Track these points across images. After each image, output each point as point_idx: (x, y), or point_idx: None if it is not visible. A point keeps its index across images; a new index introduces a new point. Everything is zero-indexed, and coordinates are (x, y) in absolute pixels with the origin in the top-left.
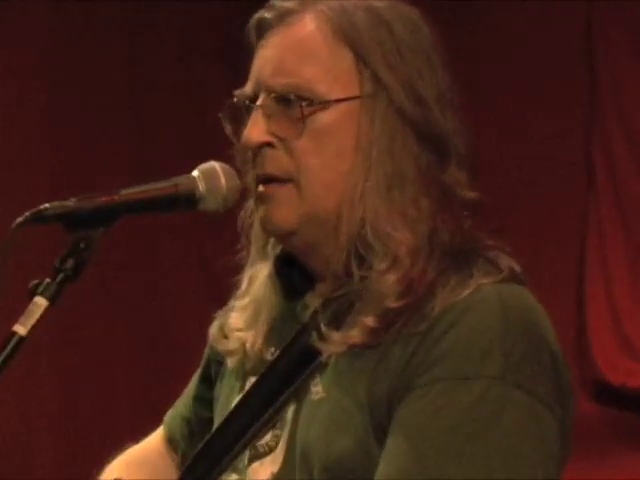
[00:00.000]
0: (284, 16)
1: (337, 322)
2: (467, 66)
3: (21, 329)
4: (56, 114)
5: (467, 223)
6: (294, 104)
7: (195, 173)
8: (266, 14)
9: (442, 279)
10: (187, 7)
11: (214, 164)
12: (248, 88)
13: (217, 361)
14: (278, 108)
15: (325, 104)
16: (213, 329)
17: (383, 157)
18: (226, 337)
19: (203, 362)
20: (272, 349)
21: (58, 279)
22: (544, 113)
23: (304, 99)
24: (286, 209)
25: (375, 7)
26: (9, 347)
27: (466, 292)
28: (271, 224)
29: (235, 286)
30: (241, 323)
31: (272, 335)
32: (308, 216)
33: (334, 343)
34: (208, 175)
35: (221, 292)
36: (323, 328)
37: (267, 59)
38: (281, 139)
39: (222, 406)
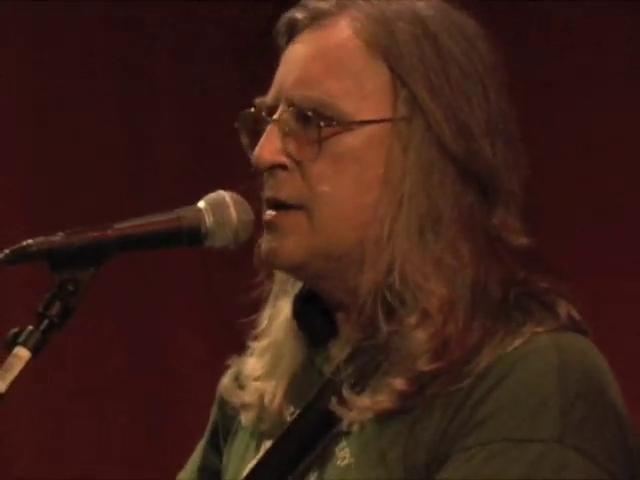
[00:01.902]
0: (317, 18)
1: (362, 383)
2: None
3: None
4: (40, 124)
5: (520, 274)
6: (312, 122)
7: (201, 204)
8: (298, 14)
9: (491, 327)
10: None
11: (223, 194)
12: (269, 97)
13: (227, 420)
14: (297, 125)
15: (349, 125)
16: (226, 380)
17: (416, 193)
18: (242, 388)
19: (210, 427)
20: (291, 408)
21: (42, 327)
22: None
23: (325, 117)
24: (294, 240)
25: (422, 16)
26: None
27: (517, 342)
28: (274, 257)
29: (250, 324)
30: (259, 370)
31: (291, 389)
32: (319, 250)
33: (358, 409)
34: (216, 207)
35: (231, 325)
36: (345, 392)
37: (292, 66)
38: (296, 161)
39: (234, 470)
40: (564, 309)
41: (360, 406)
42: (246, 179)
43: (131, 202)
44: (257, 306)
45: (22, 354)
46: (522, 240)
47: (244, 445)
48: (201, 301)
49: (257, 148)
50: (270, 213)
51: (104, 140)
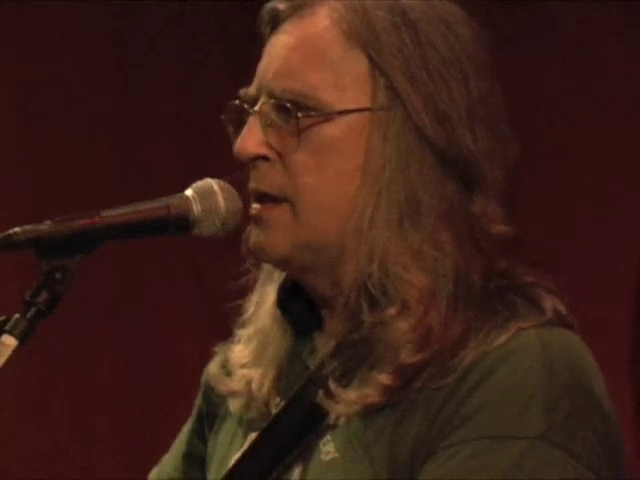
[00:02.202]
0: (298, 8)
1: (347, 376)
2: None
3: None
4: (31, 125)
5: (502, 263)
6: (291, 113)
7: (189, 192)
8: (279, 4)
9: (474, 325)
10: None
11: (211, 182)
12: (251, 88)
13: (213, 406)
14: (277, 116)
15: (329, 115)
16: (212, 368)
17: (395, 182)
18: (229, 375)
19: (195, 413)
20: (277, 399)
21: (29, 315)
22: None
23: (306, 108)
24: (279, 235)
25: (402, 4)
26: None
27: (503, 338)
28: (261, 251)
29: (238, 312)
30: (246, 357)
31: (278, 379)
32: (304, 243)
33: (344, 402)
34: (204, 195)
35: (219, 313)
36: (331, 386)
37: (273, 57)
38: (278, 152)
39: (220, 458)
40: (550, 303)
41: (347, 399)
42: (235, 169)
43: (121, 193)
44: (245, 294)
45: (9, 342)
46: (502, 228)
47: (231, 433)
48: (189, 289)
49: (238, 140)
50: (256, 207)
51: (94, 133)
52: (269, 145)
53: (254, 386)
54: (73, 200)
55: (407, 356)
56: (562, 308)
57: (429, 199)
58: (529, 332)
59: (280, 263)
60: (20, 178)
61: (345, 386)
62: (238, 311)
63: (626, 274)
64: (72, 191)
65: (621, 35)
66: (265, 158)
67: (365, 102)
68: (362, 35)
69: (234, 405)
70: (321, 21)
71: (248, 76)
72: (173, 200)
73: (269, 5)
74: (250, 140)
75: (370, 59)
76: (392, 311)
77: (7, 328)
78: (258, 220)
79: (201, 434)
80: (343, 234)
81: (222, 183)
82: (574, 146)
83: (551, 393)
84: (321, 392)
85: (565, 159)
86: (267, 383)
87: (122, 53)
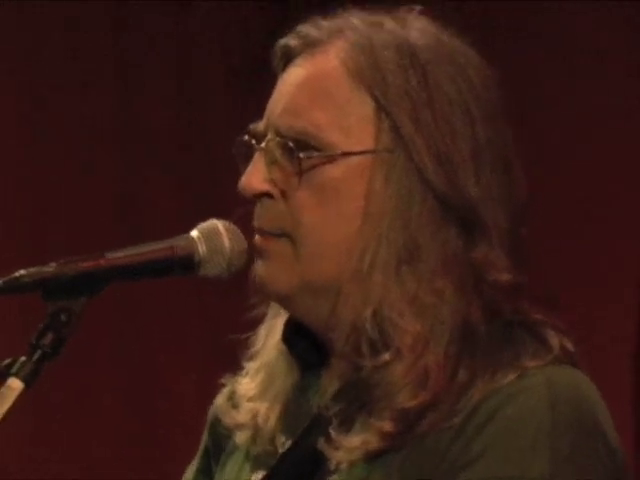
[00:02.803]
0: (309, 45)
1: (349, 421)
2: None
3: None
4: (30, 142)
5: (506, 309)
6: (294, 153)
7: (194, 233)
8: (291, 41)
9: (480, 365)
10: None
11: (216, 223)
12: (260, 124)
13: (220, 440)
14: (282, 154)
15: (332, 156)
16: (220, 399)
17: (395, 226)
18: (235, 407)
19: (200, 450)
20: (282, 438)
21: (35, 357)
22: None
23: (310, 147)
24: (281, 269)
25: (411, 45)
26: None
27: (509, 377)
28: (264, 285)
29: (241, 347)
30: (252, 390)
31: (284, 415)
32: (304, 282)
33: (345, 449)
34: (209, 236)
35: (221, 351)
36: (332, 432)
37: (282, 94)
38: (281, 190)
39: None
40: (557, 341)
41: (348, 446)
42: (238, 206)
43: (119, 225)
44: (248, 331)
45: (15, 385)
46: (505, 276)
47: (237, 468)
48: (195, 327)
49: (243, 176)
50: (258, 238)
51: (94, 160)
52: (273, 182)
53: (260, 420)
54: (73, 205)
55: (405, 400)
56: (569, 345)
57: (428, 245)
58: (535, 371)
59: (282, 300)
60: (20, 179)
61: (346, 431)
62: (241, 347)
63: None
64: (72, 195)
65: (621, 35)
66: (269, 195)
67: (369, 144)
68: (368, 76)
69: (240, 438)
70: (330, 60)
71: (249, 94)
72: (178, 241)
73: (282, 41)
74: (254, 177)
75: (376, 101)
76: (386, 357)
77: (13, 371)
78: (261, 252)
79: (207, 471)
80: (341, 276)
81: (227, 224)
82: (574, 147)
83: (556, 433)
84: (322, 439)
85: (565, 159)
86: (273, 417)
87: (122, 57)
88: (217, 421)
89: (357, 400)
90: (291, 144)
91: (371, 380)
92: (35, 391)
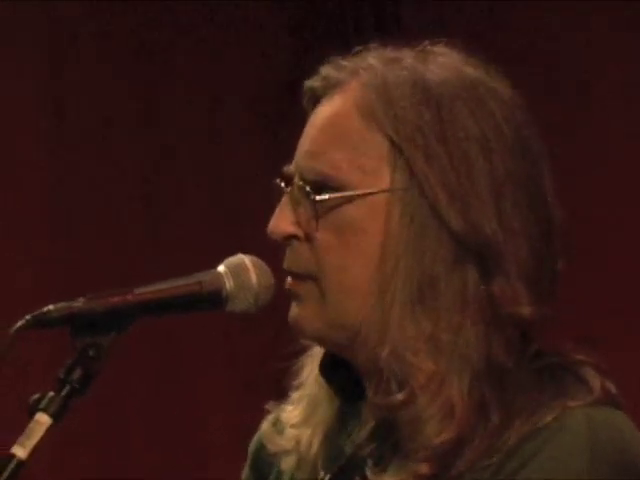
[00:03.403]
0: (330, 87)
1: (384, 461)
2: None
3: (20, 451)
4: (56, 175)
5: (533, 344)
6: (310, 195)
7: (221, 268)
8: (315, 83)
9: (518, 404)
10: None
11: (243, 258)
12: (290, 167)
13: (263, 473)
14: (304, 196)
15: (350, 197)
16: (265, 425)
17: (410, 264)
18: (280, 434)
19: None
20: (322, 473)
21: (63, 393)
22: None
23: (330, 188)
24: (310, 310)
25: (426, 80)
26: (6, 473)
27: (548, 418)
28: (296, 326)
29: (271, 385)
30: (296, 418)
31: (326, 445)
32: (332, 322)
33: None
34: (236, 271)
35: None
36: (368, 473)
37: (307, 136)
38: (305, 232)
39: None
40: (598, 382)
41: None
42: (263, 238)
43: (148, 254)
44: (277, 367)
45: (43, 420)
46: (525, 310)
47: None
48: (222, 363)
49: (271, 219)
50: (288, 281)
51: (121, 192)
52: (298, 225)
53: (303, 447)
54: (98, 264)
55: (433, 434)
56: (611, 387)
57: (444, 281)
58: (576, 411)
59: (314, 340)
60: (44, 241)
61: (382, 472)
62: (271, 384)
63: None
64: (97, 255)
65: (621, 35)
66: (295, 237)
67: (385, 183)
68: (380, 115)
69: (286, 463)
70: (345, 101)
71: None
72: (205, 276)
73: (307, 83)
74: (279, 220)
75: (389, 139)
76: (399, 397)
77: (42, 406)
78: (292, 294)
79: None
80: (362, 315)
81: (254, 259)
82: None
83: (596, 476)
84: (357, 479)
85: (565, 160)
86: (315, 443)
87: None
88: (260, 451)
89: (390, 439)
90: (308, 188)
91: (398, 418)
92: (64, 425)
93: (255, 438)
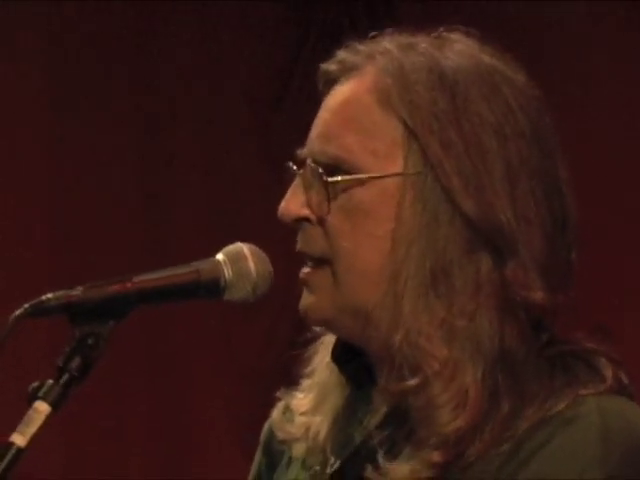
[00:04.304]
0: (346, 71)
1: (396, 448)
2: None
3: (20, 439)
4: (57, 178)
5: (544, 331)
6: (322, 178)
7: (220, 257)
8: (330, 66)
9: (529, 391)
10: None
11: (241, 246)
12: (304, 150)
13: (274, 458)
14: (316, 179)
15: (362, 180)
16: (275, 413)
17: (423, 249)
18: (290, 421)
19: (253, 474)
20: (332, 459)
21: (62, 381)
22: None
23: (341, 171)
24: (322, 298)
25: (442, 66)
26: (6, 460)
27: (561, 405)
28: (306, 314)
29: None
30: (305, 406)
31: (336, 432)
32: (344, 306)
33: (392, 477)
34: (235, 259)
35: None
36: (380, 460)
37: (320, 120)
38: (318, 215)
39: None
40: (611, 371)
41: (396, 476)
42: (261, 231)
43: (147, 252)
44: (275, 356)
45: (42, 408)
46: (538, 295)
47: (294, 476)
48: (219, 352)
49: (282, 202)
50: (303, 271)
51: (119, 189)
52: (310, 207)
53: (312, 433)
54: (98, 264)
55: (446, 421)
56: (623, 377)
57: (457, 267)
58: (587, 400)
59: (324, 325)
60: (46, 242)
61: (394, 460)
62: (268, 374)
63: None
64: (96, 258)
65: (621, 35)
66: (307, 220)
67: (398, 167)
68: (396, 100)
69: (297, 449)
70: (360, 85)
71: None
72: (204, 264)
73: (323, 66)
74: (291, 203)
75: (404, 124)
76: (413, 382)
77: (40, 394)
78: (305, 283)
79: None
80: (374, 300)
81: (253, 247)
82: (575, 148)
83: (607, 465)
84: (369, 466)
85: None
86: (324, 432)
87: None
88: (271, 438)
89: (402, 426)
90: (320, 169)
91: (411, 404)
92: (63, 416)
93: (266, 426)
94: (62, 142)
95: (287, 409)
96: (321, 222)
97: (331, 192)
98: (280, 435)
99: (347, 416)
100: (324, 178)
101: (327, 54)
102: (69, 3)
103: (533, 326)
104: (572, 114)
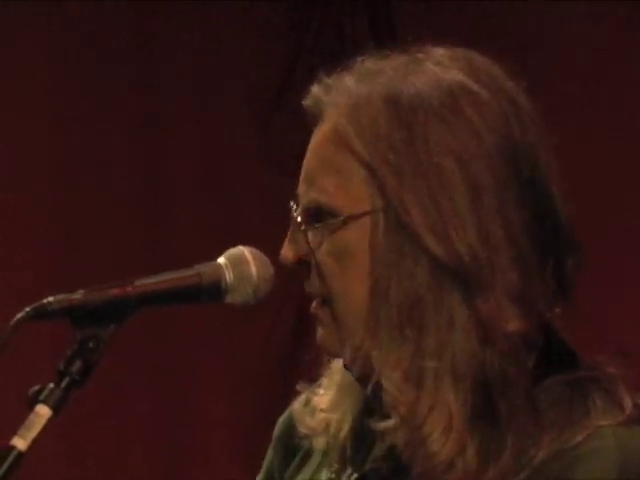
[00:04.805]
0: (319, 109)
1: (402, 478)
2: None
3: (20, 443)
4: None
5: (530, 359)
6: (300, 225)
7: (221, 260)
8: (308, 103)
9: (549, 415)
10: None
11: (243, 249)
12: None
13: (290, 451)
14: (298, 228)
15: (342, 221)
16: (297, 405)
17: (390, 288)
18: (311, 415)
19: (264, 471)
20: (349, 471)
21: (63, 384)
22: None
23: (325, 214)
24: (328, 333)
25: (401, 95)
26: (6, 465)
27: (578, 438)
28: (322, 347)
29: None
30: (325, 403)
31: (355, 432)
32: (347, 344)
33: None
34: (236, 262)
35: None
36: None
37: (305, 161)
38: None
39: None
40: (630, 399)
41: None
42: (261, 232)
43: (147, 252)
44: (276, 357)
45: (43, 412)
46: (513, 325)
47: (313, 469)
48: (221, 353)
49: (283, 247)
50: (312, 305)
51: (120, 190)
52: (304, 251)
53: (332, 429)
54: (99, 260)
55: (435, 452)
56: None
57: (427, 307)
58: (605, 432)
59: (336, 357)
60: (47, 239)
61: None
62: (266, 375)
63: None
64: (98, 251)
65: (621, 35)
66: (307, 262)
67: (368, 205)
68: (352, 140)
69: (317, 442)
70: (326, 127)
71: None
72: (205, 268)
73: (304, 102)
74: (288, 248)
75: (364, 162)
76: (388, 424)
77: (41, 398)
78: (315, 318)
79: None
80: (362, 341)
81: (254, 250)
82: (574, 148)
83: None
84: None
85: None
86: (345, 429)
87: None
88: (288, 432)
89: (403, 460)
90: (299, 219)
91: (398, 443)
92: (64, 416)
93: (283, 418)
94: (62, 142)
95: (308, 403)
96: (315, 265)
97: (315, 238)
98: (300, 428)
99: (367, 414)
100: (302, 228)
101: (327, 53)
102: (70, 3)
103: (543, 343)
104: (572, 114)
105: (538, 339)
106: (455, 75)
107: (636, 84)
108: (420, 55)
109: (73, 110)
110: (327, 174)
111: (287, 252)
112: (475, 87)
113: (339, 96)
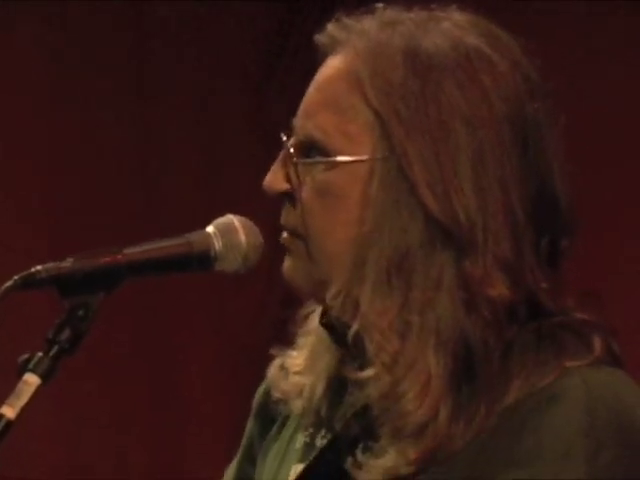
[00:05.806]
0: (332, 46)
1: (373, 440)
2: None
3: (9, 411)
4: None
5: (511, 329)
6: (292, 157)
7: (210, 229)
8: (321, 39)
9: (516, 358)
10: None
11: (232, 218)
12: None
13: (268, 420)
14: (295, 156)
15: (333, 162)
16: (272, 369)
17: (381, 237)
18: (285, 379)
19: (244, 441)
20: (323, 431)
21: (52, 353)
22: None
23: (316, 151)
24: (297, 264)
25: (419, 49)
26: None
27: (547, 379)
28: (287, 277)
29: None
30: (298, 366)
31: (329, 393)
32: (318, 281)
33: (372, 473)
34: (225, 231)
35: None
36: (358, 454)
37: (307, 94)
38: (295, 191)
39: (278, 462)
40: (599, 340)
41: (375, 471)
42: (255, 202)
43: (143, 221)
44: (267, 327)
45: (32, 380)
46: (498, 292)
47: (280, 457)
48: (213, 323)
49: (267, 175)
50: (283, 235)
51: (113, 171)
52: (290, 182)
53: (306, 393)
54: (96, 229)
55: (411, 410)
56: (614, 345)
57: (416, 262)
58: (573, 373)
59: (302, 290)
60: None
61: (372, 452)
62: (260, 342)
63: None
64: (94, 221)
65: (621, 35)
66: (288, 194)
67: (367, 151)
68: (366, 85)
69: (294, 406)
70: (339, 65)
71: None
72: (195, 236)
73: (316, 38)
74: (272, 177)
75: (373, 109)
76: (367, 373)
77: (30, 366)
78: (285, 247)
79: (252, 460)
80: (341, 284)
81: (243, 219)
82: (574, 148)
83: (593, 440)
84: (349, 459)
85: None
86: (319, 392)
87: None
88: (265, 400)
89: (378, 417)
90: (292, 150)
91: (372, 396)
92: (54, 386)
93: (259, 390)
94: (60, 116)
95: (282, 367)
96: (297, 199)
97: (303, 172)
98: (276, 393)
99: (340, 376)
100: (294, 160)
101: (318, 31)
102: (70, 3)
103: (528, 307)
104: (572, 114)
105: (521, 311)
106: (474, 40)
107: (636, 84)
108: (442, 15)
109: (69, 88)
110: (329, 111)
111: (272, 181)
112: (492, 55)
113: (357, 39)
